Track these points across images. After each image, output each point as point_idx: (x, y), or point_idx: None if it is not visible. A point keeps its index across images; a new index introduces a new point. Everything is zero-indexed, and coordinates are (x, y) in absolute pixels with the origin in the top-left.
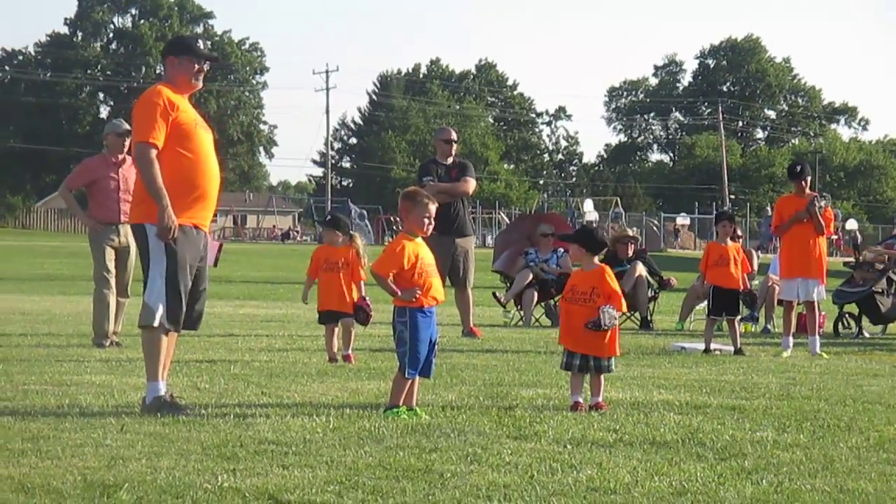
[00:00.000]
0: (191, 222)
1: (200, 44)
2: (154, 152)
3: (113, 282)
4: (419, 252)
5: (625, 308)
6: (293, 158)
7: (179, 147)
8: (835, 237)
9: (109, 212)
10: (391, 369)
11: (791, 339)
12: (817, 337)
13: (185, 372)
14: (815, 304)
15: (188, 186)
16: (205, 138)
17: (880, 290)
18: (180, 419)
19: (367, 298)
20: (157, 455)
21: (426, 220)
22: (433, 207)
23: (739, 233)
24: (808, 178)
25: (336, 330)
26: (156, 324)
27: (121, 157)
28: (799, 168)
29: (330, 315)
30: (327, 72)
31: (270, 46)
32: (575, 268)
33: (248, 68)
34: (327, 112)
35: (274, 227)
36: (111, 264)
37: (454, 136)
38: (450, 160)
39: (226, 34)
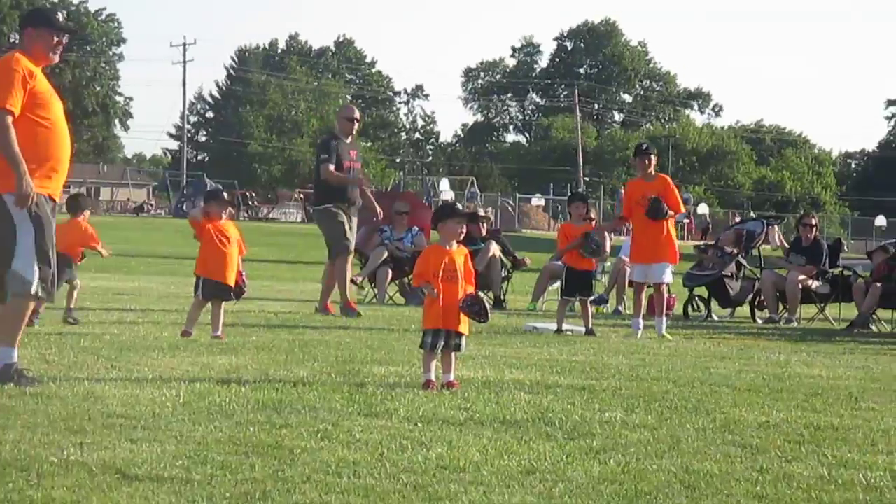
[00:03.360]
0: (46, 192)
1: (60, 16)
2: (10, 119)
3: None
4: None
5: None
6: (149, 131)
7: (35, 116)
8: (686, 220)
9: None
10: (243, 345)
11: (641, 321)
12: (664, 319)
13: (34, 344)
14: (664, 286)
15: (43, 156)
16: (58, 108)
17: (729, 274)
18: (27, 391)
19: (244, 273)
20: (3, 428)
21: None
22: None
23: (593, 215)
24: (653, 158)
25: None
26: (32, 291)
27: None
28: (645, 145)
29: (214, 288)
30: (185, 44)
31: (127, 18)
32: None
33: (104, 39)
34: (184, 85)
35: (128, 199)
36: None
37: (357, 114)
38: (349, 139)
39: (82, 4)
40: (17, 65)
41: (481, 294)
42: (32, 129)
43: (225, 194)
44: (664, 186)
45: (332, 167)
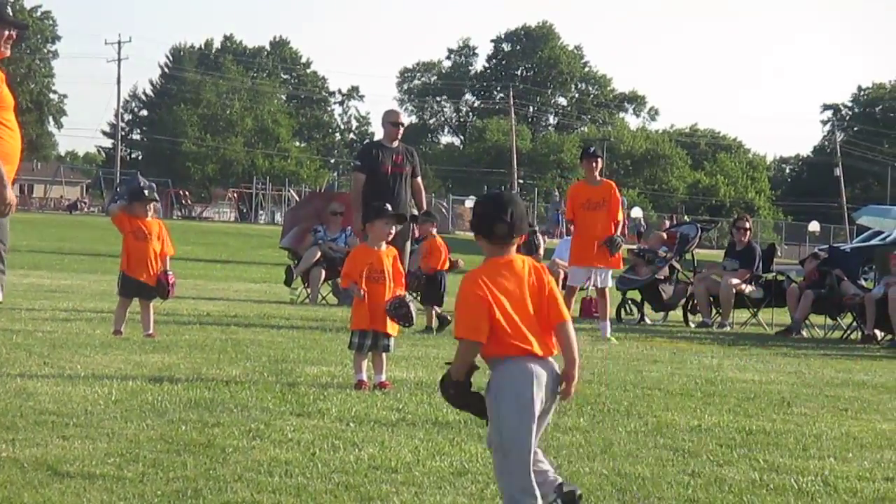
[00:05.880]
0: None
1: (10, 10)
2: None
3: None
4: None
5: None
6: (83, 129)
7: (1, 118)
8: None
9: None
10: (175, 343)
11: None
12: (608, 322)
13: None
14: (606, 290)
15: (7, 159)
16: (11, 107)
17: (663, 278)
18: None
19: (170, 273)
20: None
21: None
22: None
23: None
24: (599, 161)
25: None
26: None
27: None
28: (592, 148)
29: (136, 287)
30: (119, 42)
31: (62, 14)
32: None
33: (39, 37)
34: (118, 83)
35: (61, 197)
36: None
37: (403, 118)
38: (395, 144)
39: (17, 1)
40: None
41: (409, 297)
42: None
43: (146, 192)
44: (609, 192)
45: (362, 177)
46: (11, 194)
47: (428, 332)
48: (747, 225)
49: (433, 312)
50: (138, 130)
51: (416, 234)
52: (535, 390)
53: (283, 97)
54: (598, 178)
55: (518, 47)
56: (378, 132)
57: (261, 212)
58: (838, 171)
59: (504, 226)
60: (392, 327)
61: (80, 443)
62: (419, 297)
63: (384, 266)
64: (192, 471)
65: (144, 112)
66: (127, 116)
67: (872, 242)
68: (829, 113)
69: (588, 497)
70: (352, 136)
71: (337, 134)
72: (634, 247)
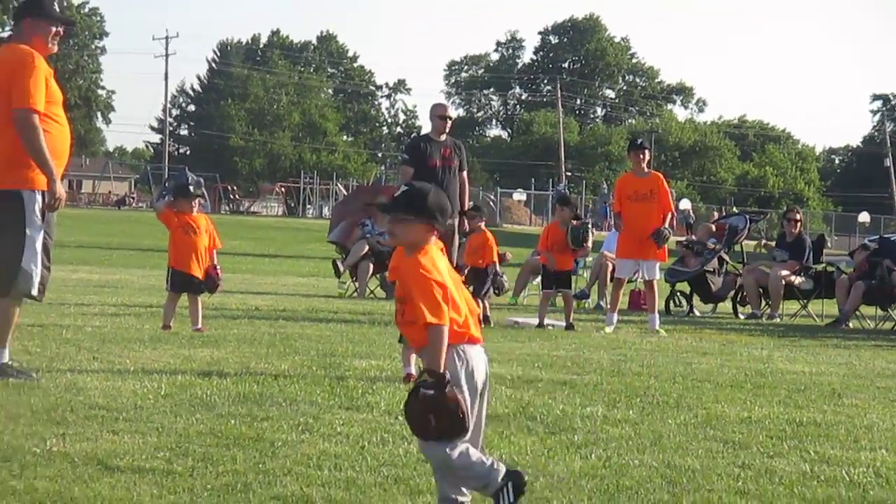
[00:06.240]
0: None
1: (56, 6)
2: (38, 118)
3: None
4: None
5: None
6: (131, 124)
7: (50, 112)
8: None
9: None
10: (224, 338)
11: (616, 316)
12: (657, 314)
13: (16, 335)
14: (655, 282)
15: (56, 154)
16: (60, 102)
17: (712, 270)
18: (9, 383)
19: (218, 267)
20: None
21: None
22: None
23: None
24: (647, 154)
25: (177, 300)
26: (34, 292)
27: None
28: (639, 140)
29: (184, 281)
30: (167, 38)
31: (110, 10)
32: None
33: (87, 33)
34: (166, 78)
35: (109, 192)
36: None
37: (450, 112)
38: (443, 137)
39: None
40: (38, 62)
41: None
42: (48, 126)
43: (191, 188)
44: (656, 183)
45: (410, 170)
46: (61, 189)
47: (486, 323)
48: (798, 216)
49: (484, 303)
50: (186, 125)
51: (465, 228)
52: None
53: (330, 91)
54: (646, 169)
55: (565, 40)
56: (425, 125)
57: (308, 206)
58: (888, 162)
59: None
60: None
61: (129, 437)
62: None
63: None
64: (241, 465)
65: (192, 107)
66: (175, 112)
67: None
68: (878, 103)
69: (637, 489)
70: (399, 129)
71: (384, 127)
72: (683, 238)
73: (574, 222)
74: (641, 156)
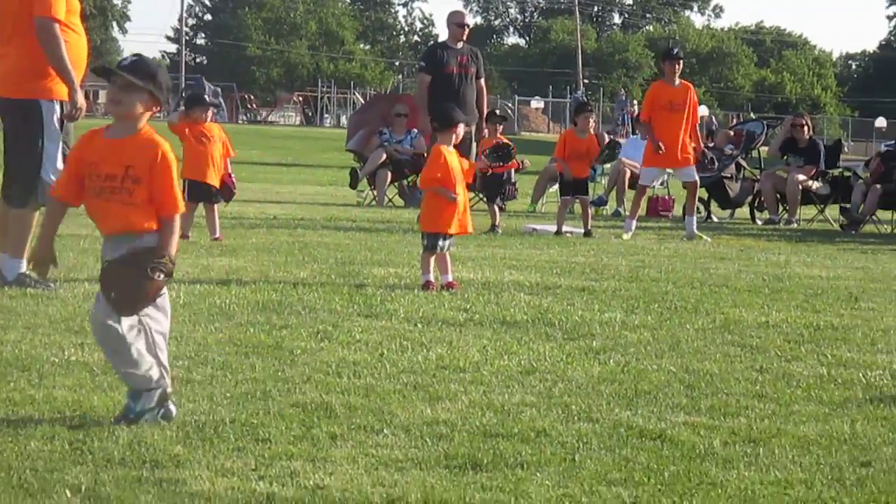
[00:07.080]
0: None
1: None
2: (58, 27)
3: None
4: None
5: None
6: (147, 34)
7: (68, 21)
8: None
9: None
10: (243, 247)
11: (634, 223)
12: (694, 217)
13: (32, 245)
14: (696, 185)
15: (75, 64)
16: (78, 11)
17: (729, 175)
18: (27, 292)
19: (233, 175)
20: (3, 328)
21: None
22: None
23: (592, 122)
24: (681, 64)
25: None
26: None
27: None
28: (676, 50)
29: (201, 191)
30: None
31: None
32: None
33: None
34: None
35: None
36: None
37: (468, 19)
38: (460, 45)
39: None
40: None
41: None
42: (67, 35)
43: (206, 97)
44: (687, 94)
45: (427, 78)
46: (82, 98)
47: (493, 231)
48: (804, 121)
49: (495, 210)
50: (202, 35)
51: (485, 134)
52: None
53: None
54: (678, 80)
55: None
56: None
57: (326, 115)
58: None
59: None
60: (455, 228)
61: None
62: (485, 197)
63: (456, 169)
64: (260, 373)
65: (208, 16)
66: (191, 21)
67: None
68: (894, 8)
69: (656, 394)
70: (416, 38)
71: (401, 36)
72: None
73: (607, 137)
74: (677, 66)
